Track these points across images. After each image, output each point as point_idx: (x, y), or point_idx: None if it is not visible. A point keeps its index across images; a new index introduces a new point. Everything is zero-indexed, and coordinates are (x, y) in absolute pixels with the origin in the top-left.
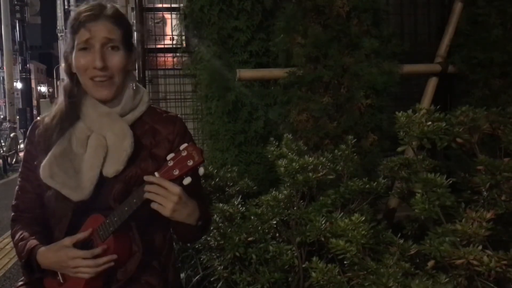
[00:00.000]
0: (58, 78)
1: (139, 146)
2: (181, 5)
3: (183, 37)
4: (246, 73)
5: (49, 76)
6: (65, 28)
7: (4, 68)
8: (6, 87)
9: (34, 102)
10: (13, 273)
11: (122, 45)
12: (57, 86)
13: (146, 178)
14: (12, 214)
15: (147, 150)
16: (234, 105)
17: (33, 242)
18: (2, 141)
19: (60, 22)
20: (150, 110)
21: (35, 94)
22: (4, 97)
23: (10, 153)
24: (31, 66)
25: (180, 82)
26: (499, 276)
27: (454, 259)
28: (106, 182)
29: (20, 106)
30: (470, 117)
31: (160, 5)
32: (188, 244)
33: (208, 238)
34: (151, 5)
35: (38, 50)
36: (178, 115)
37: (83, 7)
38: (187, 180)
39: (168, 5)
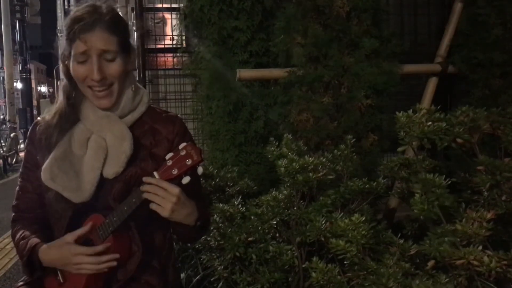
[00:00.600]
0: (58, 78)
1: (139, 146)
2: (181, 5)
3: (183, 37)
4: (246, 73)
5: (49, 76)
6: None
7: (4, 68)
8: (6, 87)
9: (34, 102)
10: (13, 273)
11: (120, 52)
12: (57, 86)
13: (145, 179)
14: (13, 214)
15: (147, 150)
16: (235, 105)
17: (34, 240)
18: (2, 141)
19: (60, 22)
20: (150, 110)
21: (35, 94)
22: (4, 97)
23: (10, 153)
24: (31, 66)
25: (180, 82)
26: (499, 276)
27: (454, 259)
28: (106, 182)
29: (20, 106)
30: (470, 117)
31: (160, 5)
32: (188, 244)
33: (208, 238)
34: (151, 5)
35: (38, 50)
36: (178, 115)
37: (77, 12)
38: (186, 180)
39: (168, 5)
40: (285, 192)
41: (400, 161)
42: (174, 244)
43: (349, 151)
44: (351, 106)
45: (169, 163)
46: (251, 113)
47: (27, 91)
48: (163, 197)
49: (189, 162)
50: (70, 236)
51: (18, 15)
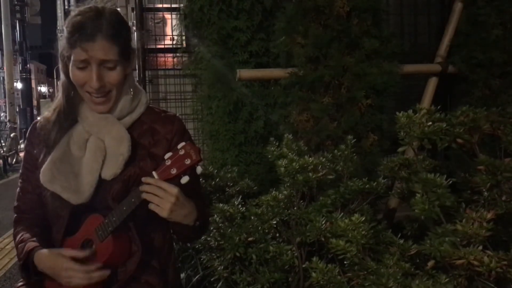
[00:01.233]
0: (58, 78)
1: (138, 146)
2: (181, 5)
3: (183, 37)
4: (246, 73)
5: (49, 76)
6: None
7: (4, 68)
8: (6, 87)
9: (34, 102)
10: (13, 273)
11: (120, 61)
12: (57, 86)
13: (143, 179)
14: (15, 215)
15: (145, 149)
16: (235, 105)
17: (31, 244)
18: (2, 141)
19: (60, 22)
20: (149, 110)
21: (35, 94)
22: (4, 97)
23: (10, 153)
24: (31, 66)
25: (180, 82)
26: (499, 276)
27: (454, 259)
28: (105, 183)
29: (20, 106)
30: (470, 117)
31: (160, 5)
32: (188, 244)
33: (208, 238)
34: (151, 5)
35: (38, 50)
36: (177, 115)
37: (79, 16)
38: (185, 179)
39: (168, 5)
40: (285, 192)
41: (400, 161)
42: (174, 244)
43: (349, 151)
44: (351, 106)
45: (168, 162)
46: (251, 113)
47: (27, 91)
48: (162, 197)
49: (188, 161)
50: (68, 252)
51: (18, 15)
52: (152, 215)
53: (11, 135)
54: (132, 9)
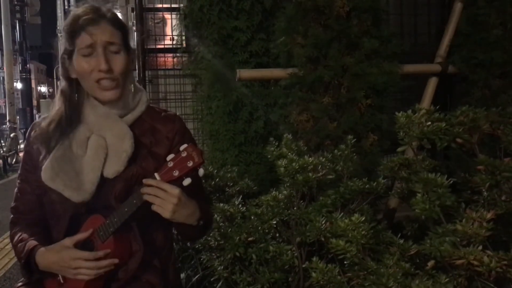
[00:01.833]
0: (58, 78)
1: (139, 145)
2: (181, 5)
3: (183, 37)
4: (246, 73)
5: (49, 76)
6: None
7: (4, 68)
8: (6, 87)
9: (34, 102)
10: (13, 273)
11: (123, 48)
12: (57, 86)
13: (145, 181)
14: (12, 216)
15: (147, 148)
16: (235, 105)
17: (32, 242)
18: (2, 141)
19: (60, 22)
20: (149, 110)
21: (35, 94)
22: (4, 97)
23: (10, 153)
24: (31, 66)
25: (180, 82)
26: (499, 276)
27: (454, 259)
28: (107, 182)
29: (20, 106)
30: (470, 117)
31: (160, 5)
32: (188, 244)
33: (208, 238)
34: (151, 5)
35: (38, 50)
36: (177, 114)
37: (79, 10)
38: (187, 181)
39: (168, 5)
40: (285, 192)
41: (400, 161)
42: (174, 244)
43: (349, 151)
44: (351, 106)
45: (170, 164)
46: (251, 113)
47: (27, 91)
48: (164, 198)
49: (190, 163)
50: (69, 241)
51: (18, 15)
52: (154, 215)
53: (11, 135)
54: (132, 9)
